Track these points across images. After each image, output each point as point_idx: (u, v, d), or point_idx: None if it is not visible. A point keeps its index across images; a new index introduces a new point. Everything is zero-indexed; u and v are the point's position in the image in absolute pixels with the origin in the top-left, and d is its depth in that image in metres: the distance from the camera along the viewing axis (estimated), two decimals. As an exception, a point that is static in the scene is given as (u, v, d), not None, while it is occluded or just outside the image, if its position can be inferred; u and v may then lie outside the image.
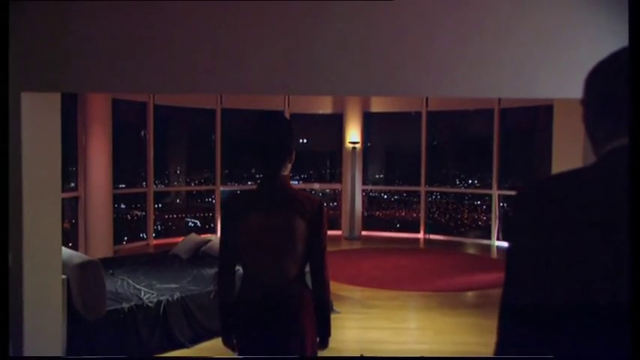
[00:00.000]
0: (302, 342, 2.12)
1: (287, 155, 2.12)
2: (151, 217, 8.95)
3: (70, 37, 3.37)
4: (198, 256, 5.69)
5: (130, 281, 4.55)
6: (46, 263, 3.21)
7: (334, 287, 5.87)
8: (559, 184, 1.14)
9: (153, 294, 4.20)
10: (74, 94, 7.65)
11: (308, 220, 2.08)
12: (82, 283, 3.57)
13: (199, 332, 4.33)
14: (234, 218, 2.13)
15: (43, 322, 3.21)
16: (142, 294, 4.19)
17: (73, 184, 7.83)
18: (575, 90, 3.46)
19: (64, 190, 7.77)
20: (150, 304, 4.05)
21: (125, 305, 3.92)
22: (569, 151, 4.51)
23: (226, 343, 2.23)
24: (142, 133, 9.00)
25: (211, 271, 5.00)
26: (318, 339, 2.23)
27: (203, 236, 6.64)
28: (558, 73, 3.65)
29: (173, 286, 4.48)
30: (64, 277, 3.51)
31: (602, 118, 1.08)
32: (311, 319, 2.16)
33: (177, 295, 4.25)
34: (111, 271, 4.89)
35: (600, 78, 1.10)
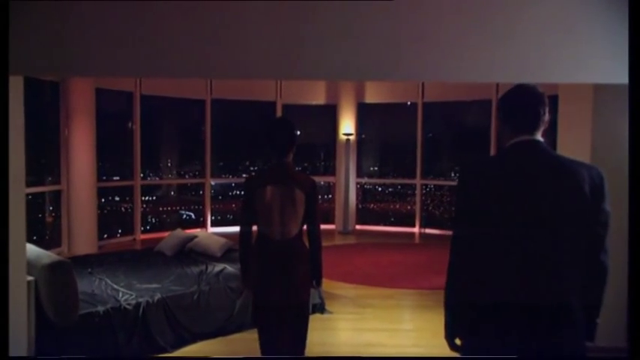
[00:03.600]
0: (301, 282, 2.91)
1: (291, 147, 2.92)
2: (138, 211, 8.65)
3: (49, 16, 3.12)
4: (184, 253, 5.40)
5: (109, 281, 4.26)
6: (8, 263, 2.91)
7: (326, 285, 5.65)
8: (487, 162, 2.05)
9: (131, 295, 3.91)
10: (56, 83, 7.34)
11: (305, 192, 2.86)
12: (52, 285, 3.29)
13: (182, 335, 4.06)
14: (253, 190, 2.88)
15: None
16: (120, 295, 3.90)
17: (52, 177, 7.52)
18: (589, 75, 3.20)
19: (46, 183, 7.48)
20: (128, 307, 3.76)
21: (100, 308, 3.63)
22: (575, 139, 4.25)
23: (245, 284, 3.10)
24: (130, 124, 8.68)
25: (196, 270, 4.73)
26: (314, 281, 3.03)
27: (189, 232, 6.36)
28: (571, 57, 3.42)
29: (154, 286, 4.20)
30: (31, 278, 3.23)
31: (508, 125, 1.87)
32: (307, 266, 2.93)
33: (157, 296, 3.97)
34: (89, 270, 4.61)
35: (507, 103, 1.91)
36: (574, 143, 4.28)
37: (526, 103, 1.86)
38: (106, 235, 8.29)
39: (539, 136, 1.84)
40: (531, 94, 1.87)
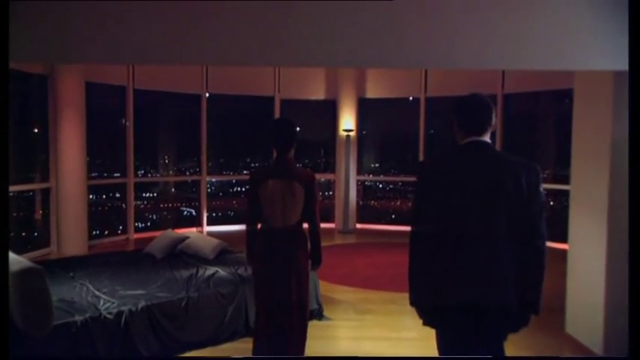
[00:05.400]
0: (300, 265, 3.20)
1: (291, 145, 3.19)
2: (132, 210, 8.37)
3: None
4: (174, 255, 5.12)
5: (91, 287, 3.97)
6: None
7: (325, 289, 5.37)
8: (440, 159, 2.34)
9: (113, 303, 3.62)
10: (44, 76, 7.04)
11: (305, 185, 3.14)
12: (22, 293, 3.00)
13: (169, 345, 3.77)
14: (257, 183, 3.18)
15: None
16: (101, 303, 3.61)
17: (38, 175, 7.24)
18: (608, 61, 2.94)
19: (35, 180, 7.19)
20: (108, 316, 3.47)
21: (78, 318, 3.34)
22: (592, 135, 3.97)
23: (250, 263, 3.38)
24: (123, 120, 8.38)
25: (186, 274, 4.45)
26: (310, 264, 3.32)
27: (185, 231, 6.09)
28: (579, 44, 3.20)
29: (139, 292, 3.90)
30: (-1, 287, 2.94)
31: (461, 127, 2.23)
32: (306, 251, 3.25)
33: (142, 304, 3.68)
34: (71, 274, 4.32)
35: (461, 108, 2.27)
36: (591, 139, 3.99)
37: (477, 110, 2.21)
38: (106, 232, 8.15)
39: (486, 138, 2.21)
40: (482, 102, 2.23)
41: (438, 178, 2.20)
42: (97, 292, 3.84)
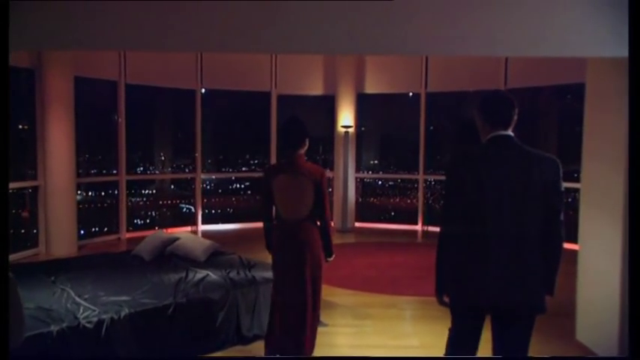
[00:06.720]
0: (313, 255, 3.34)
1: (301, 143, 3.34)
2: (124, 208, 8.13)
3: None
4: (164, 256, 4.88)
5: (72, 292, 3.73)
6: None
7: (323, 291, 5.14)
8: (469, 153, 2.48)
9: (94, 311, 3.38)
10: (31, 70, 6.79)
11: (314, 181, 3.28)
12: (-9, 303, 2.76)
13: (155, 355, 3.54)
14: (269, 179, 3.37)
15: None
16: (81, 311, 3.36)
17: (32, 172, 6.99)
18: (613, 49, 2.72)
19: (24, 178, 6.95)
20: (87, 325, 3.23)
21: (54, 328, 3.10)
22: (605, 131, 3.74)
23: (269, 249, 3.55)
24: (115, 116, 8.12)
25: (175, 277, 4.21)
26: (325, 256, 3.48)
27: (177, 230, 5.85)
28: (596, 31, 3.02)
29: (123, 298, 3.66)
30: (-36, 296, 2.70)
31: (488, 122, 2.39)
32: (317, 242, 3.37)
33: (124, 311, 3.44)
34: (52, 278, 4.08)
35: (487, 105, 2.43)
36: (605, 135, 3.75)
37: (502, 106, 2.37)
38: (105, 229, 7.99)
39: (510, 132, 2.37)
40: (506, 99, 2.41)
41: (470, 173, 2.33)
42: (77, 299, 3.60)
